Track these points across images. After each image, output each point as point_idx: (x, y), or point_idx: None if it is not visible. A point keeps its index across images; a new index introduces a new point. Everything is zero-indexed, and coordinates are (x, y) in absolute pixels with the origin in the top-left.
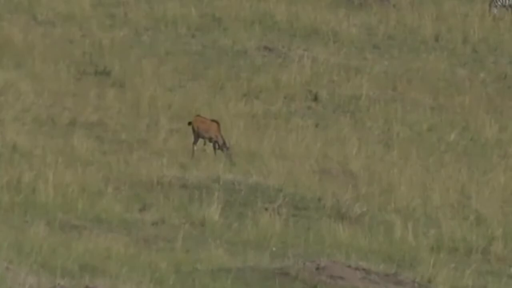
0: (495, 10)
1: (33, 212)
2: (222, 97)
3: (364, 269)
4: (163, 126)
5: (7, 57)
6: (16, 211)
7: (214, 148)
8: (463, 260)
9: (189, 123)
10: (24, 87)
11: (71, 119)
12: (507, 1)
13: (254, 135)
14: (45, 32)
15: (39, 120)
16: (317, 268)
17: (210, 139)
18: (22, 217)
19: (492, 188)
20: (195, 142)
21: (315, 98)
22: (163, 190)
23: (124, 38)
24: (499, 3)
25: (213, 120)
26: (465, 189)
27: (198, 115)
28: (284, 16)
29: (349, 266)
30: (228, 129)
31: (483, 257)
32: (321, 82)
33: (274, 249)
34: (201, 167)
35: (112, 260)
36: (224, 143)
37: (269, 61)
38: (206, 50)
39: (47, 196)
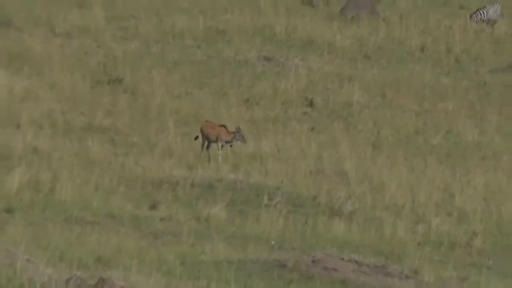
0: (474, 24)
1: (51, 209)
2: (225, 103)
3: (356, 262)
4: (171, 130)
5: (28, 66)
6: (36, 209)
7: (221, 147)
8: (447, 254)
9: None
10: (43, 94)
11: (86, 124)
12: (485, 16)
13: (254, 138)
14: (63, 43)
15: (56, 124)
16: (313, 261)
17: (217, 142)
18: (41, 214)
19: (473, 187)
20: (203, 145)
21: (311, 104)
22: (171, 189)
23: (135, 50)
24: (478, 17)
25: (221, 125)
26: (449, 188)
27: (207, 121)
28: (282, 29)
29: (342, 259)
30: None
31: (465, 250)
32: (316, 90)
33: (273, 243)
34: (206, 167)
35: (123, 253)
36: (242, 138)
37: (268, 70)
38: (211, 60)
39: (64, 194)
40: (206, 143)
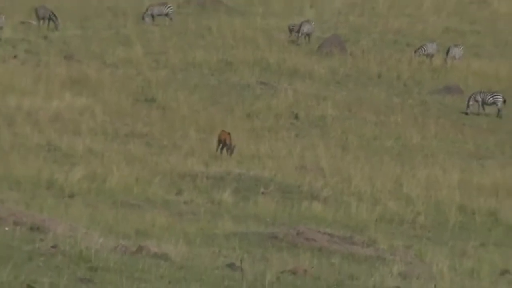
0: (417, 57)
1: (103, 195)
2: (232, 117)
3: (329, 234)
4: (191, 136)
5: (85, 89)
6: (92, 194)
7: (227, 150)
8: (397, 228)
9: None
10: (97, 110)
11: (129, 131)
12: (426, 51)
13: (254, 143)
14: (111, 72)
15: (106, 132)
16: (297, 233)
17: (225, 145)
18: (95, 198)
19: (417, 178)
20: (218, 147)
21: (296, 117)
22: (192, 180)
23: (165, 76)
24: (421, 52)
25: (228, 133)
26: (399, 179)
27: (223, 130)
28: (275, 61)
29: (319, 232)
30: (237, 138)
31: (411, 226)
32: (300, 106)
33: (268, 220)
34: (218, 164)
35: (156, 227)
36: (232, 145)
37: (264, 92)
38: (221, 84)
39: (113, 184)
40: (220, 145)
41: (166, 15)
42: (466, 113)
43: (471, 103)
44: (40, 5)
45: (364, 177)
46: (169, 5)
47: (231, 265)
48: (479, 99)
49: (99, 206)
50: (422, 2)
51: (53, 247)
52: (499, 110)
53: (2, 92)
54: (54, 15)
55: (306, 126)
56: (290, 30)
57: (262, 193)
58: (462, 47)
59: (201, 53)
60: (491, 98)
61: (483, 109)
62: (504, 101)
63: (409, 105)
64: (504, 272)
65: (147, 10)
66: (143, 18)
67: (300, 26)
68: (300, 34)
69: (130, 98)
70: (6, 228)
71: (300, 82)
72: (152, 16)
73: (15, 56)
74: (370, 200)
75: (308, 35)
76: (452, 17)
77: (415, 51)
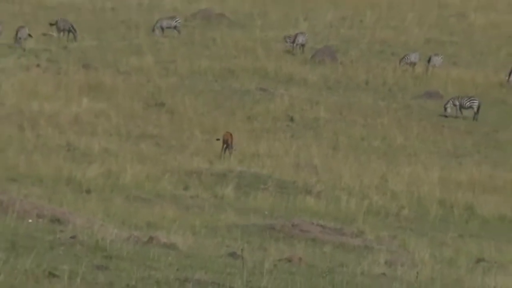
0: (401, 66)
1: (117, 190)
2: (234, 119)
3: (321, 225)
4: (197, 137)
5: (101, 94)
6: (107, 190)
7: (229, 149)
8: (383, 220)
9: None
10: (111, 113)
11: (140, 133)
12: (409, 60)
13: (254, 143)
14: (125, 78)
15: (120, 133)
16: (293, 225)
17: (228, 145)
18: (110, 194)
19: (401, 175)
20: (223, 147)
21: (291, 119)
22: (198, 176)
23: (173, 83)
24: (404, 61)
25: (231, 134)
26: (384, 176)
27: (227, 131)
28: (272, 69)
29: (312, 223)
30: (238, 139)
31: (395, 218)
32: (295, 110)
33: (266, 213)
34: (222, 162)
35: (166, 220)
36: (232, 145)
37: (263, 97)
38: (224, 90)
39: (126, 180)
40: (225, 146)
41: (174, 27)
42: (445, 115)
43: (448, 105)
44: (61, 18)
45: (353, 174)
46: (177, 19)
47: (233, 254)
48: (457, 103)
49: (113, 201)
50: (405, 16)
51: (72, 237)
52: (475, 114)
53: (26, 97)
54: (73, 28)
55: (300, 128)
56: (286, 41)
57: (261, 188)
58: (441, 56)
59: (206, 62)
60: (468, 103)
61: (461, 112)
62: (479, 106)
63: (393, 109)
64: (479, 260)
65: (157, 23)
66: (153, 30)
67: (295, 37)
68: (295, 45)
69: (141, 103)
70: (30, 220)
71: (295, 88)
72: (162, 28)
73: (37, 65)
74: (358, 195)
75: (302, 45)
76: (433, 29)
77: (400, 60)
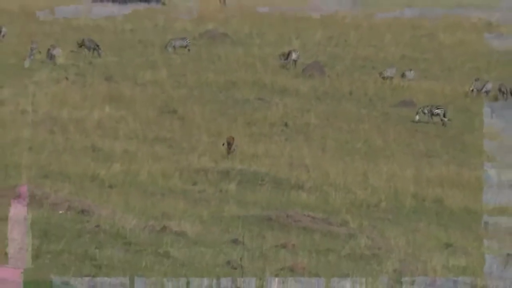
0: (381, 79)
1: (135, 186)
2: (236, 125)
3: (312, 216)
4: (204, 140)
5: (121, 103)
6: (126, 185)
7: (233, 151)
8: (364, 211)
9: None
10: (130, 119)
11: (155, 136)
12: (387, 74)
13: (253, 145)
14: (141, 90)
15: (138, 137)
16: (287, 216)
17: (230, 147)
18: (129, 188)
19: (380, 173)
20: (228, 148)
21: (286, 125)
22: (205, 174)
23: (184, 93)
24: (383, 75)
25: (233, 137)
26: (366, 174)
27: (230, 135)
28: (269, 81)
29: (304, 214)
30: (241, 142)
31: (375, 209)
32: (289, 117)
33: (264, 205)
34: (226, 161)
35: (177, 211)
36: (233, 147)
37: (261, 105)
38: (228, 99)
39: (143, 177)
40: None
41: (185, 46)
42: (417, 121)
43: (418, 112)
44: (87, 38)
45: (339, 172)
46: (187, 39)
47: (235, 240)
48: (426, 111)
49: (132, 195)
50: (384, 36)
51: (96, 226)
52: (442, 120)
53: (57, 106)
54: (98, 46)
55: (293, 132)
56: (281, 58)
57: (259, 184)
58: (413, 71)
59: (212, 75)
60: (437, 110)
61: (431, 118)
62: (446, 112)
63: (373, 116)
64: (447, 246)
65: (169, 42)
66: (166, 48)
67: (288, 54)
68: (288, 61)
69: (156, 110)
70: (61, 212)
71: (289, 98)
72: (174, 47)
73: (66, 78)
74: (343, 190)
75: (295, 61)
76: (407, 47)
77: (379, 74)
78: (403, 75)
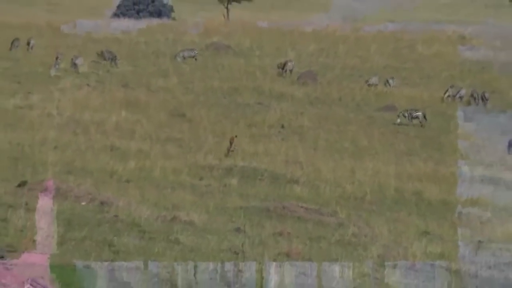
0: (367, 86)
1: (149, 180)
2: (238, 127)
3: (305, 207)
4: (210, 140)
5: (136, 108)
6: (141, 180)
7: (232, 151)
8: (352, 203)
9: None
10: (144, 122)
11: (166, 137)
12: (372, 82)
13: (254, 145)
14: (155, 95)
15: (152, 138)
16: (283, 207)
17: (232, 146)
18: (143, 183)
19: (365, 169)
20: (230, 148)
21: (282, 127)
22: (210, 170)
23: (192, 99)
24: (369, 82)
25: (234, 137)
26: (353, 170)
27: (232, 136)
28: (268, 88)
29: (298, 206)
30: (242, 142)
31: (361, 201)
32: (285, 119)
33: (262, 197)
34: (229, 159)
35: (186, 202)
36: (233, 146)
37: (261, 109)
38: (231, 104)
39: (156, 173)
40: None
41: (193, 56)
42: (398, 124)
43: (399, 115)
44: (106, 49)
45: (329, 168)
46: (195, 50)
47: (237, 229)
48: (406, 114)
49: (146, 188)
50: (369, 47)
51: (115, 216)
52: (420, 122)
53: (80, 110)
54: (115, 56)
55: (289, 133)
56: (278, 67)
57: (259, 179)
58: (395, 79)
59: (217, 82)
60: (416, 113)
61: (411, 121)
62: (424, 115)
63: (360, 119)
64: (425, 233)
65: (179, 53)
66: (176, 58)
67: (284, 64)
68: (284, 70)
69: (167, 114)
70: (83, 203)
71: (285, 103)
72: (183, 57)
73: (88, 85)
74: (333, 184)
75: (290, 70)
76: (390, 57)
77: (366, 81)
78: (386, 83)
